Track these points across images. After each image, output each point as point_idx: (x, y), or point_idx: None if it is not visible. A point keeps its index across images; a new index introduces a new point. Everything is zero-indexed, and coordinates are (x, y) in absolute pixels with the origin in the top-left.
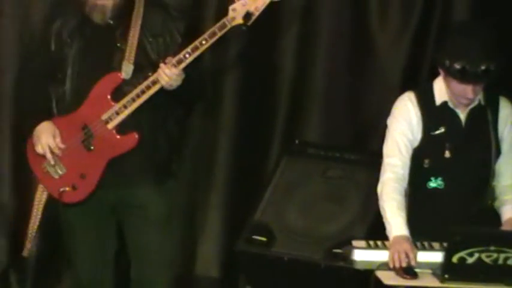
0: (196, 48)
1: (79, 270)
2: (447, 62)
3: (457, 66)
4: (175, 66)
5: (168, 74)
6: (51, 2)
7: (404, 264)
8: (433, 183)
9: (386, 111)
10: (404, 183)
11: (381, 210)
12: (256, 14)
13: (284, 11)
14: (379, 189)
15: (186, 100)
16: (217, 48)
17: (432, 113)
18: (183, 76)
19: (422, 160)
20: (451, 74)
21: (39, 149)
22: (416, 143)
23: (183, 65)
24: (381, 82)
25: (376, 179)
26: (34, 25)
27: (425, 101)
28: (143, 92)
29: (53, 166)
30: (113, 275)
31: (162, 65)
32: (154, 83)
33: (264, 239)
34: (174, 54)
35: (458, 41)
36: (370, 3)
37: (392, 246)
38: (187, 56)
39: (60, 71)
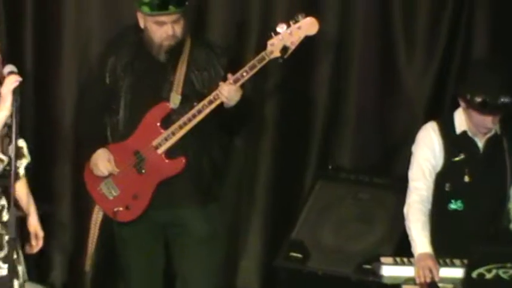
0: (238, 79)
1: (131, 284)
2: (468, 95)
3: (478, 99)
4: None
5: (227, 91)
6: (107, 40)
7: (428, 280)
8: (453, 205)
9: (411, 139)
10: (428, 205)
11: (407, 229)
12: (292, 48)
13: (318, 45)
14: (405, 210)
15: (229, 128)
16: (257, 79)
17: (453, 141)
18: (241, 92)
19: (443, 184)
20: (472, 106)
21: (96, 173)
22: (438, 168)
23: (240, 82)
24: (406, 112)
25: (402, 201)
26: (92, 60)
27: (447, 130)
28: (195, 116)
29: (108, 188)
30: (161, 281)
31: (221, 83)
32: (211, 102)
33: (300, 255)
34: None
35: (479, 76)
36: (398, 40)
37: (417, 263)
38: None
39: (114, 102)
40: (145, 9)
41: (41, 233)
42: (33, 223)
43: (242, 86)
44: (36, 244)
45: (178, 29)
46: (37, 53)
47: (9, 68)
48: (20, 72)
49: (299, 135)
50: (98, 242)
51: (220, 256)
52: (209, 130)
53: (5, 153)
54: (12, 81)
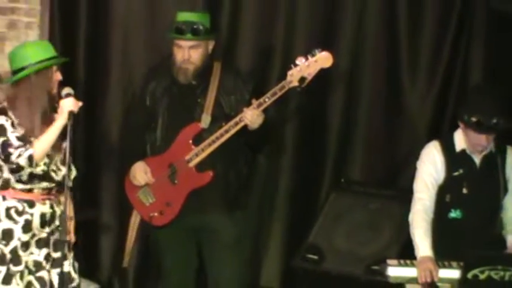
0: (260, 104)
1: (167, 281)
2: (465, 116)
3: (474, 119)
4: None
5: (251, 115)
6: (148, 67)
7: (429, 280)
8: (453, 214)
9: (414, 156)
10: (430, 214)
11: (411, 235)
12: (309, 78)
13: (333, 75)
14: (410, 218)
15: (253, 146)
16: (279, 105)
17: (453, 158)
18: (263, 116)
19: (444, 195)
20: (469, 126)
21: (135, 182)
22: (440, 182)
23: (262, 107)
24: (410, 132)
25: (406, 211)
26: (135, 85)
27: (448, 148)
28: (222, 135)
29: (145, 195)
30: (194, 286)
31: (245, 108)
32: (236, 123)
33: (315, 257)
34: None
35: (475, 99)
36: (403, 70)
37: (419, 265)
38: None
39: (153, 121)
40: (171, 33)
41: (73, 237)
42: (72, 226)
43: (264, 111)
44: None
45: (195, 55)
46: (88, 77)
47: (68, 90)
48: (76, 95)
49: (315, 153)
50: (135, 242)
51: (245, 258)
52: (235, 147)
53: (63, 164)
54: (71, 103)
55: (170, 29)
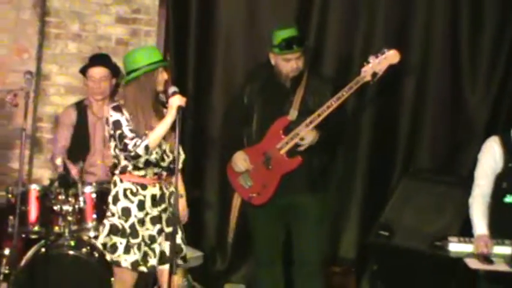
0: (339, 97)
1: (258, 252)
2: None
3: None
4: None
5: (306, 135)
6: (246, 71)
7: (484, 251)
8: (507, 199)
9: (473, 148)
10: (488, 199)
11: (470, 215)
12: (380, 73)
13: (404, 71)
14: (469, 201)
15: (335, 135)
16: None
17: (510, 151)
18: (314, 136)
19: (501, 182)
20: None
21: (236, 169)
22: (498, 171)
23: (340, 100)
24: (470, 127)
25: (466, 195)
26: (235, 86)
27: (506, 142)
28: (307, 126)
29: (244, 180)
30: (281, 257)
31: (329, 101)
32: (319, 115)
33: (387, 233)
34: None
35: None
36: (465, 72)
37: (476, 241)
38: (333, 103)
39: (250, 117)
40: (276, 50)
41: (186, 213)
42: (183, 203)
43: (342, 104)
44: (183, 218)
45: (301, 63)
46: (196, 78)
47: (174, 88)
48: (183, 92)
49: (388, 144)
50: (237, 220)
51: (327, 232)
52: (320, 139)
53: (171, 151)
54: (178, 99)
55: (275, 47)
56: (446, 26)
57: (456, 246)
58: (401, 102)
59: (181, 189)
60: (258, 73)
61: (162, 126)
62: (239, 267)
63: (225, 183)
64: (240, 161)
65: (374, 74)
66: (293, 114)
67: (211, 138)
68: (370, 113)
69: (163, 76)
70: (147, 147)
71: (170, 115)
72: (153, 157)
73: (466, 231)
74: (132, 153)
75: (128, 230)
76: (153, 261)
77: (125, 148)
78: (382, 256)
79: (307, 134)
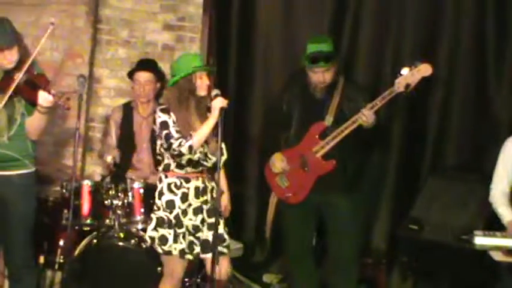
0: (373, 106)
1: (290, 248)
2: None
3: None
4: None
5: (366, 115)
6: (284, 79)
7: None
8: None
9: (497, 148)
10: (507, 196)
11: (495, 210)
12: (413, 85)
13: (431, 81)
14: (490, 199)
15: (368, 140)
16: (387, 106)
17: None
18: (375, 116)
19: None
20: None
21: (274, 170)
22: None
23: (374, 108)
24: (494, 129)
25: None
26: (273, 92)
27: None
28: (343, 131)
29: (281, 180)
30: (312, 252)
31: (362, 109)
32: (353, 122)
33: (416, 227)
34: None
35: None
36: (490, 77)
37: (509, 227)
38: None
39: (288, 122)
40: (306, 63)
41: (228, 206)
42: (226, 198)
43: (376, 112)
44: (225, 212)
45: (328, 76)
46: (237, 83)
47: (216, 91)
48: (224, 94)
49: (416, 145)
50: (274, 216)
51: (360, 228)
52: (352, 142)
53: (213, 154)
54: (220, 101)
55: (305, 59)
56: (471, 31)
57: (481, 240)
58: (430, 106)
59: (224, 186)
60: (295, 80)
61: (206, 128)
62: (276, 258)
63: (264, 180)
64: (278, 162)
65: (407, 85)
66: (329, 120)
67: (251, 138)
68: (400, 116)
69: (203, 81)
70: (191, 147)
71: (213, 117)
72: (196, 156)
73: (489, 225)
74: (176, 152)
75: (173, 221)
76: (197, 249)
77: (169, 147)
78: (412, 248)
79: (372, 115)
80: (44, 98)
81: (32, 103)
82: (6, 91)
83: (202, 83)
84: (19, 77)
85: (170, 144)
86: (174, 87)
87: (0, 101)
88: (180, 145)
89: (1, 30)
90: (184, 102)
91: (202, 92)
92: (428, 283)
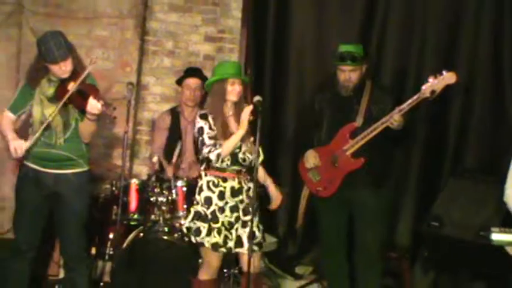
0: (401, 110)
1: (323, 239)
2: None
3: None
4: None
5: (396, 118)
6: (317, 83)
7: None
8: None
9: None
10: None
11: (509, 209)
12: (438, 91)
13: (453, 88)
14: (505, 199)
15: (394, 141)
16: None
17: None
18: (403, 119)
19: None
20: None
21: (307, 165)
22: None
23: (402, 112)
24: (510, 134)
25: None
26: (306, 95)
27: None
28: (371, 132)
29: (313, 175)
30: (344, 243)
31: (391, 113)
32: (382, 123)
33: (437, 224)
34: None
35: None
36: (506, 85)
37: None
38: (395, 115)
39: (320, 122)
40: (335, 61)
41: (279, 196)
42: (272, 190)
43: (403, 115)
44: (275, 204)
45: (353, 76)
46: (273, 88)
47: (257, 97)
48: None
49: (439, 147)
50: (305, 210)
51: (386, 222)
52: (380, 142)
53: (251, 153)
54: (247, 114)
55: (335, 57)
56: (491, 35)
57: (498, 236)
58: (451, 112)
59: (268, 179)
60: (326, 84)
61: (235, 138)
62: (308, 252)
63: (296, 178)
64: (311, 158)
65: (432, 92)
66: (359, 120)
67: (285, 138)
68: (423, 120)
69: (234, 87)
70: (218, 155)
71: (242, 128)
72: (225, 164)
73: (506, 223)
74: (205, 158)
75: (209, 216)
76: (231, 243)
77: (200, 152)
78: (433, 244)
79: (400, 118)
80: (92, 106)
81: (82, 111)
82: (61, 99)
83: (233, 89)
84: (73, 87)
85: (201, 150)
86: (210, 92)
87: (56, 108)
88: (209, 152)
89: (56, 43)
90: (218, 107)
91: (232, 97)
92: (449, 276)
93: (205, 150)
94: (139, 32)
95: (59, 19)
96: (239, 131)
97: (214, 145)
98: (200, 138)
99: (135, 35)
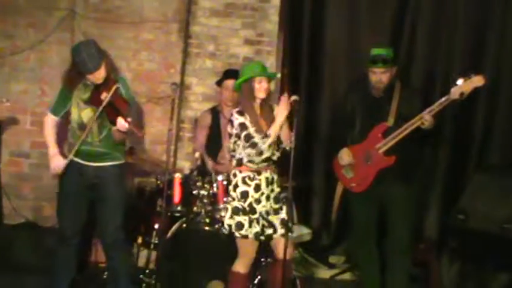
0: (431, 110)
1: (356, 231)
2: None
3: None
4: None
5: (427, 119)
6: (348, 83)
7: None
8: None
9: None
10: None
11: None
12: (467, 93)
13: (478, 89)
14: None
15: (425, 139)
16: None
17: None
18: (433, 119)
19: None
20: None
21: (341, 162)
22: None
23: (432, 113)
24: None
25: None
26: (339, 95)
27: None
28: (403, 131)
29: (347, 171)
30: (375, 235)
31: (423, 114)
32: (413, 123)
33: (463, 217)
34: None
35: None
36: None
37: None
38: (425, 115)
39: (353, 121)
40: (368, 63)
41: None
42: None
43: (433, 115)
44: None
45: (384, 78)
46: (308, 89)
47: (294, 97)
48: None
49: (465, 145)
50: (340, 204)
51: (415, 215)
52: (410, 140)
53: (276, 149)
54: (282, 113)
55: (367, 60)
56: None
57: None
58: (476, 110)
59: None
60: (358, 85)
61: (276, 130)
62: (341, 242)
63: (330, 173)
64: (345, 156)
65: (461, 94)
66: (390, 121)
67: (320, 136)
68: (450, 118)
69: (261, 85)
70: (270, 145)
71: (277, 124)
72: (269, 153)
73: None
74: (260, 150)
75: (247, 209)
76: (269, 231)
77: (253, 146)
78: (459, 236)
79: (431, 118)
80: (120, 124)
81: (112, 123)
82: (95, 105)
83: (260, 86)
84: (105, 98)
85: (253, 144)
86: (240, 92)
87: (92, 117)
88: (264, 143)
89: (89, 55)
90: (248, 104)
91: (260, 94)
92: (474, 267)
93: (260, 142)
94: (182, 36)
95: (108, 24)
96: (276, 126)
97: (262, 137)
98: (245, 132)
99: (179, 38)
